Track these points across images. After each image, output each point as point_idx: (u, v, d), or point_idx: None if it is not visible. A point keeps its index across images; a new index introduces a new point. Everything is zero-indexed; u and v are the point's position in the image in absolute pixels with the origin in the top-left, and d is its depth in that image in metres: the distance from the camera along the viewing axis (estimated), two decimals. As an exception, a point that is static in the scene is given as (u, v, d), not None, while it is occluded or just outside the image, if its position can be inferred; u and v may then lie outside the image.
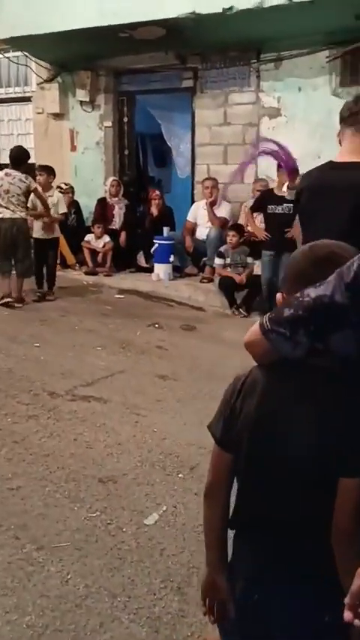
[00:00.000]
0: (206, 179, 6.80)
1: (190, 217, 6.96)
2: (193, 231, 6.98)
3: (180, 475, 2.92)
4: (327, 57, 6.39)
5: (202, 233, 6.84)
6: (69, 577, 2.14)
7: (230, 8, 5.67)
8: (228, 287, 6.02)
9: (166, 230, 6.81)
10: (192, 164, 7.46)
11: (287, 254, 5.72)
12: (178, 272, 6.98)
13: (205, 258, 6.83)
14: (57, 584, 2.10)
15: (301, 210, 2.43)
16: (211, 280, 6.70)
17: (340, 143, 2.80)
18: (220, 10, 5.72)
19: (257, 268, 6.15)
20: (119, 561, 2.26)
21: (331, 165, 2.30)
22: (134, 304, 6.09)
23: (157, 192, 7.20)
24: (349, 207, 2.13)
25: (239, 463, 1.24)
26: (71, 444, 3.11)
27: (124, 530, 2.45)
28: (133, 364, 4.38)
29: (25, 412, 3.43)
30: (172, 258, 6.74)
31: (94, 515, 2.53)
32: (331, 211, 2.17)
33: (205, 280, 6.67)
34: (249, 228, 6.26)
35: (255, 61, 6.80)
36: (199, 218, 6.91)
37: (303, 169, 5.35)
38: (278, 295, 1.22)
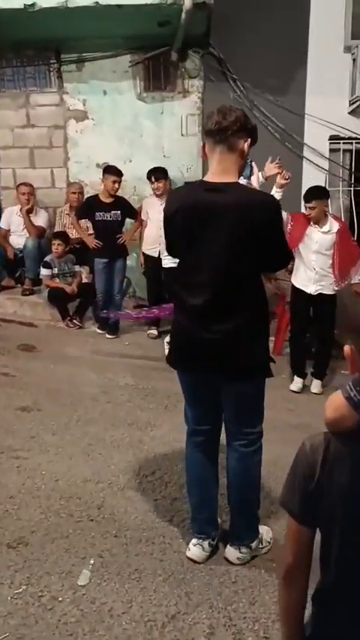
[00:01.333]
0: (22, 184, 6.35)
1: (3, 224, 6.45)
2: (6, 238, 6.49)
3: (91, 519, 2.71)
4: (130, 61, 6.41)
5: (17, 242, 6.40)
6: None
7: (32, 5, 5.33)
8: (59, 298, 5.74)
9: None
10: (-6, 168, 6.90)
11: (121, 260, 5.69)
12: (-7, 286, 6.43)
13: (23, 269, 6.41)
14: None
15: (176, 231, 2.33)
16: (32, 292, 6.31)
17: (204, 156, 2.82)
18: (22, 7, 5.34)
19: (84, 276, 5.98)
20: (71, 638, 2.02)
21: (204, 185, 2.28)
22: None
23: None
24: (228, 232, 2.16)
25: (329, 537, 1.16)
26: None
27: (59, 599, 2.20)
28: (-15, 399, 3.94)
29: None
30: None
31: (20, 590, 2.21)
32: (211, 235, 2.19)
33: (26, 293, 6.26)
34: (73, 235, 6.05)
35: (55, 61, 6.52)
36: (13, 225, 6.44)
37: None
38: (347, 349, 1.16)
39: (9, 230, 6.49)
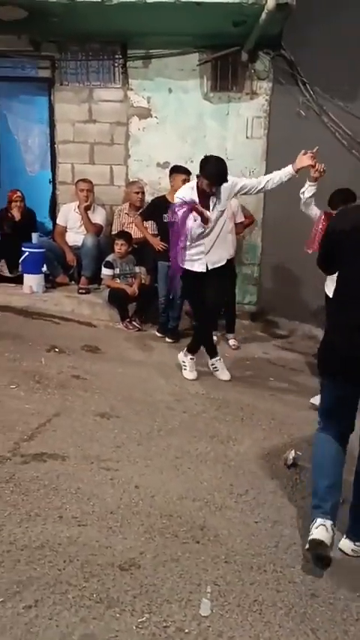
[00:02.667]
0: (81, 181, 6.25)
1: (60, 221, 6.36)
2: (63, 236, 6.40)
3: (197, 541, 2.60)
4: (198, 60, 6.27)
5: (74, 239, 6.31)
6: None
7: (111, -1, 5.23)
8: (120, 299, 5.64)
9: (35, 236, 6.13)
10: (52, 162, 6.80)
11: None
12: (48, 282, 6.34)
13: (78, 266, 6.32)
14: None
15: (346, 248, 2.52)
16: (88, 291, 6.22)
17: None
18: (99, 0, 5.24)
19: (144, 277, 5.87)
20: None
21: None
22: (16, 324, 5.35)
23: (19, 193, 6.42)
24: None
25: None
26: (59, 524, 2.57)
27: (186, 631, 2.08)
28: (62, 403, 3.83)
29: (-21, 489, 2.75)
30: (44, 268, 6.10)
31: (144, 619, 2.10)
32: None
33: (83, 291, 6.16)
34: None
35: (120, 56, 6.40)
36: (71, 222, 6.35)
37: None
38: None
39: (66, 227, 6.41)
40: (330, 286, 3.84)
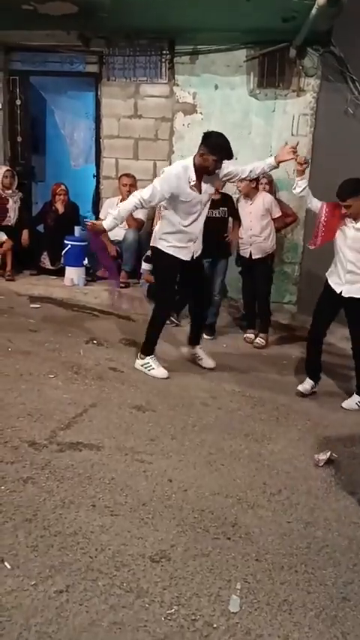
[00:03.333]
0: (124, 175, 6.31)
1: (103, 215, 6.42)
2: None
3: (228, 538, 2.59)
4: (245, 56, 6.24)
5: (116, 234, 6.35)
6: None
7: (159, -7, 5.24)
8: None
9: (77, 229, 6.21)
10: (97, 157, 6.87)
11: (224, 260, 5.55)
12: (89, 275, 6.42)
13: (119, 261, 6.37)
14: None
15: None
16: (128, 285, 6.27)
17: None
18: (147, -6, 5.26)
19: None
20: (234, 672, 1.90)
21: None
22: (56, 316, 5.45)
23: (63, 187, 6.52)
24: None
25: None
26: (92, 512, 2.60)
27: (214, 626, 2.08)
28: (99, 394, 3.87)
29: (16, 474, 2.80)
30: (85, 261, 6.18)
31: (172, 611, 2.11)
32: None
33: (122, 285, 6.22)
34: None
35: (167, 52, 6.42)
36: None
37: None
38: None
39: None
40: None
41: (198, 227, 4.32)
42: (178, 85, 6.47)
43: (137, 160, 6.68)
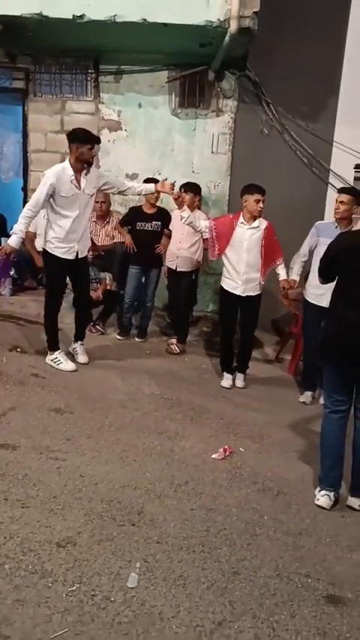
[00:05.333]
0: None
1: (30, 228, 6.51)
2: (33, 242, 6.57)
3: (133, 524, 2.79)
4: (167, 77, 6.54)
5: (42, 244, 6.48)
6: (90, 671, 1.93)
7: (81, 16, 5.46)
8: (84, 304, 5.83)
9: (3, 240, 6.29)
10: (24, 170, 7.00)
11: (156, 270, 5.83)
12: (15, 285, 6.52)
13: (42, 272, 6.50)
14: None
15: (346, 265, 3.26)
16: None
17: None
18: (70, 17, 5.48)
19: (108, 283, 6.07)
20: (126, 637, 2.10)
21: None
22: (-18, 325, 5.53)
23: (-11, 200, 6.61)
24: None
25: None
26: (4, 505, 2.75)
27: (112, 599, 2.27)
28: (18, 398, 4.01)
29: None
30: (12, 272, 6.28)
31: (74, 588, 2.29)
32: None
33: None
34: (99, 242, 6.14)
35: (92, 71, 6.65)
36: (40, 229, 6.50)
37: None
38: None
39: (35, 233, 6.57)
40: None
41: (81, 226, 4.70)
42: (103, 103, 6.70)
43: (64, 174, 6.83)
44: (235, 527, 2.93)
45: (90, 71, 6.65)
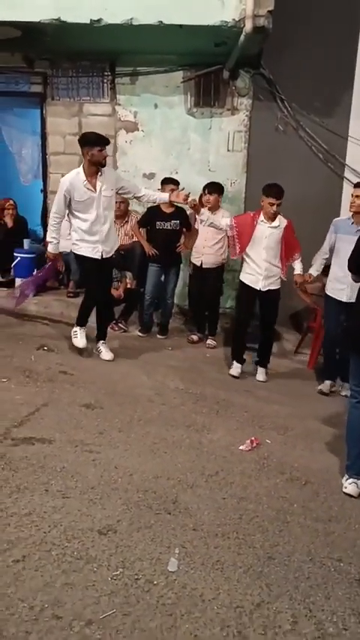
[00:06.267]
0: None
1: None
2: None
3: (168, 513, 2.90)
4: (182, 77, 6.64)
5: (63, 246, 6.57)
6: (138, 648, 2.04)
7: (99, 21, 5.57)
8: (106, 303, 5.95)
9: (26, 242, 6.45)
10: (43, 172, 7.13)
11: (175, 268, 5.94)
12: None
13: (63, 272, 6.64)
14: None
15: None
16: (76, 295, 6.54)
17: None
18: (88, 22, 5.59)
19: (129, 281, 6.19)
20: (171, 618, 2.20)
21: None
22: (8, 325, 5.67)
23: (11, 202, 6.75)
24: None
25: None
26: (45, 496, 2.87)
27: (154, 583, 2.38)
28: (50, 395, 4.13)
29: (-27, 466, 3.05)
30: (35, 272, 6.41)
31: (118, 573, 2.40)
32: None
33: (71, 295, 6.48)
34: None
35: (109, 73, 6.76)
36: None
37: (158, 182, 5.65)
38: None
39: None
40: None
41: (105, 227, 4.83)
42: (119, 104, 6.81)
43: (83, 175, 6.96)
44: (267, 515, 3.03)
45: (106, 73, 6.76)
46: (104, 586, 2.31)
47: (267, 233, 4.94)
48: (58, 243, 4.87)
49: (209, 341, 6.00)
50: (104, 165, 4.79)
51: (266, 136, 6.59)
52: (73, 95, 6.84)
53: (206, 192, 5.82)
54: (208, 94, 6.67)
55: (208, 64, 6.52)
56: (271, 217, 4.94)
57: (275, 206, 4.89)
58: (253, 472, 3.47)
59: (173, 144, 6.81)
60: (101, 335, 5.22)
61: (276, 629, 2.23)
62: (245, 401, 4.66)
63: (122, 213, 6.35)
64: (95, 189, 4.71)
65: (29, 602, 2.17)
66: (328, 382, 5.15)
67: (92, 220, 4.75)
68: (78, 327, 5.05)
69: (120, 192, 5.01)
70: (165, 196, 5.15)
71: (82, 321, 5.06)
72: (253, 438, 3.84)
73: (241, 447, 3.75)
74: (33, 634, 2.02)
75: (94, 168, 4.71)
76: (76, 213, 4.76)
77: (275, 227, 4.96)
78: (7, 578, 2.27)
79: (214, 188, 5.82)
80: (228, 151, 6.75)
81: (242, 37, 5.54)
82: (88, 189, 4.68)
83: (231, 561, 2.60)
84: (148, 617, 2.19)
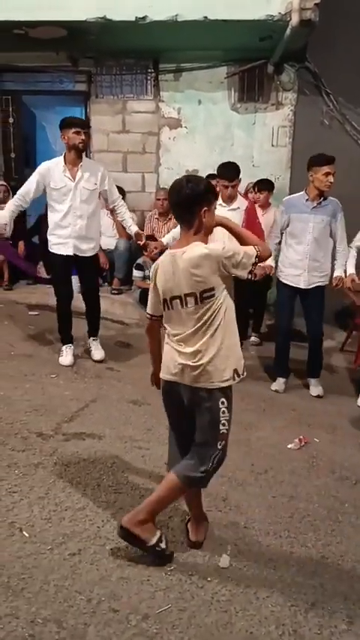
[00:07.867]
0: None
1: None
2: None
3: (219, 510, 2.90)
4: (226, 73, 6.61)
5: (107, 243, 6.67)
6: (195, 644, 2.05)
7: (144, 18, 5.59)
8: (150, 299, 5.97)
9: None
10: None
11: None
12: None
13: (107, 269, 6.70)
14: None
15: None
16: (121, 292, 6.59)
17: None
18: (133, 19, 5.61)
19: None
20: (226, 615, 2.20)
21: None
22: (54, 321, 5.73)
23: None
24: None
25: None
26: (98, 491, 2.91)
27: (208, 579, 2.39)
28: (98, 391, 4.18)
29: (27, 460, 3.11)
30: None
31: (172, 568, 2.42)
32: None
33: (115, 292, 6.54)
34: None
35: (152, 70, 6.78)
36: (104, 227, 6.70)
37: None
38: None
39: (100, 232, 6.76)
40: None
41: (77, 222, 4.48)
42: (163, 101, 6.83)
43: (126, 173, 7.02)
44: (318, 514, 3.00)
45: (150, 70, 6.79)
46: (159, 581, 2.33)
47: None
48: (7, 216, 4.45)
49: (253, 338, 5.97)
50: (82, 150, 4.50)
51: (311, 131, 6.50)
52: (117, 93, 6.89)
53: (256, 189, 5.76)
54: (252, 89, 6.63)
55: (252, 59, 6.48)
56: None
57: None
58: (302, 471, 3.44)
59: (216, 140, 6.79)
60: (92, 331, 4.92)
61: (332, 628, 2.21)
62: (292, 399, 4.62)
63: (165, 211, 6.38)
64: (74, 179, 4.43)
65: (86, 594, 2.20)
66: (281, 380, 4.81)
67: (65, 212, 4.45)
68: (62, 346, 4.75)
69: (102, 190, 4.63)
70: (133, 229, 4.79)
71: (63, 338, 4.74)
72: (301, 437, 3.81)
73: (289, 446, 3.72)
74: (92, 626, 2.05)
75: (74, 154, 4.42)
76: (51, 203, 4.49)
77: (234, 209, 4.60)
78: (65, 570, 2.31)
79: (265, 185, 5.75)
80: (272, 146, 6.70)
81: (288, 31, 5.48)
82: (65, 176, 4.41)
83: (283, 560, 2.59)
84: (203, 613, 2.19)
